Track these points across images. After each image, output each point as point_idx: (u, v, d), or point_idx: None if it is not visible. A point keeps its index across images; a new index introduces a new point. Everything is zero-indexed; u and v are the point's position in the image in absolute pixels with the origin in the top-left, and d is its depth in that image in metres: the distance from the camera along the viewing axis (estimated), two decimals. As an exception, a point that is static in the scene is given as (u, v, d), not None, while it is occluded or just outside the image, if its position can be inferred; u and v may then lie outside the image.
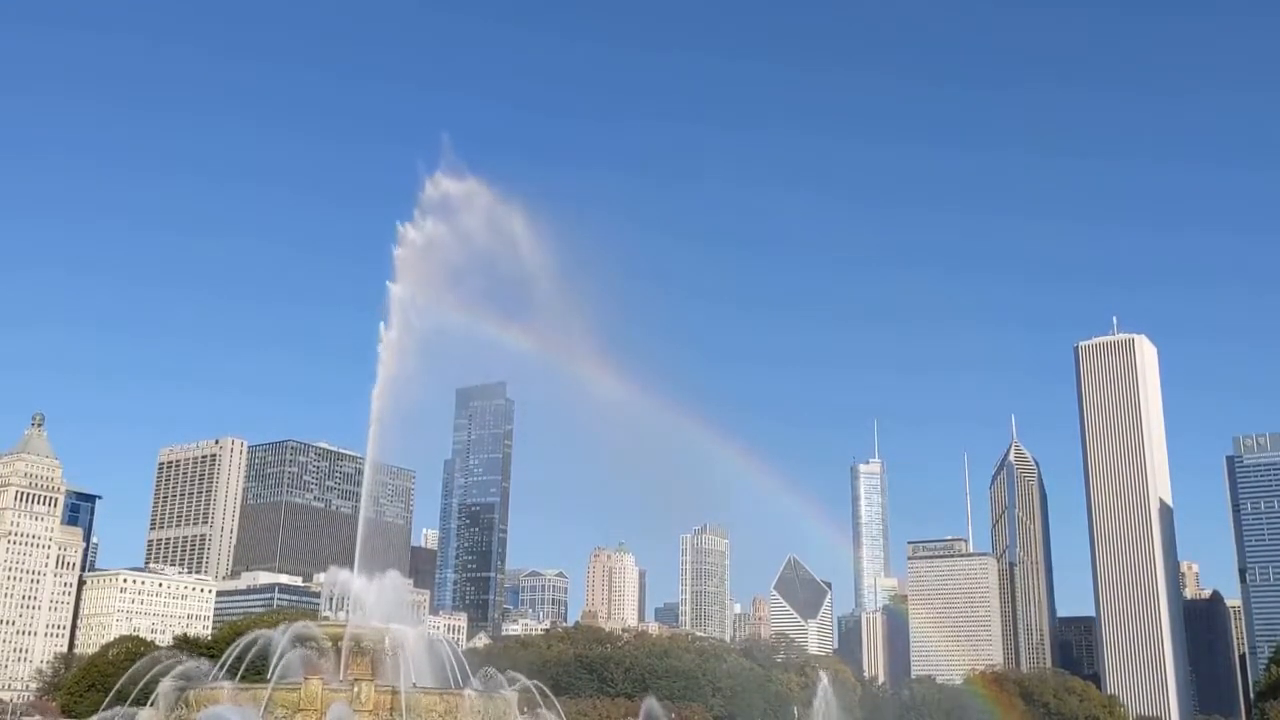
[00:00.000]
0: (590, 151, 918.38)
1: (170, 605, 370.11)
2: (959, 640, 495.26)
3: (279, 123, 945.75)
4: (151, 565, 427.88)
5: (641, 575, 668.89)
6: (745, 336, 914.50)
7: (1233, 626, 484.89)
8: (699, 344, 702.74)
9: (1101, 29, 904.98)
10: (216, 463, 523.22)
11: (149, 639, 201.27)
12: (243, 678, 59.51)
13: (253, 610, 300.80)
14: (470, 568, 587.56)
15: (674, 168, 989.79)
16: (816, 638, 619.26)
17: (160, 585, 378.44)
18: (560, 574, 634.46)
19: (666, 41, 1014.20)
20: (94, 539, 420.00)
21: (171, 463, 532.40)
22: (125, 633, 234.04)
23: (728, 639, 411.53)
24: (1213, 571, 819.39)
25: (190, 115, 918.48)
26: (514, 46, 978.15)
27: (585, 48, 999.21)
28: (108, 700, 79.51)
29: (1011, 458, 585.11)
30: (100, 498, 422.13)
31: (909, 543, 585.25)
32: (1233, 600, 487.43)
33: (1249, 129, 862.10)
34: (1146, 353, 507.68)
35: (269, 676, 56.01)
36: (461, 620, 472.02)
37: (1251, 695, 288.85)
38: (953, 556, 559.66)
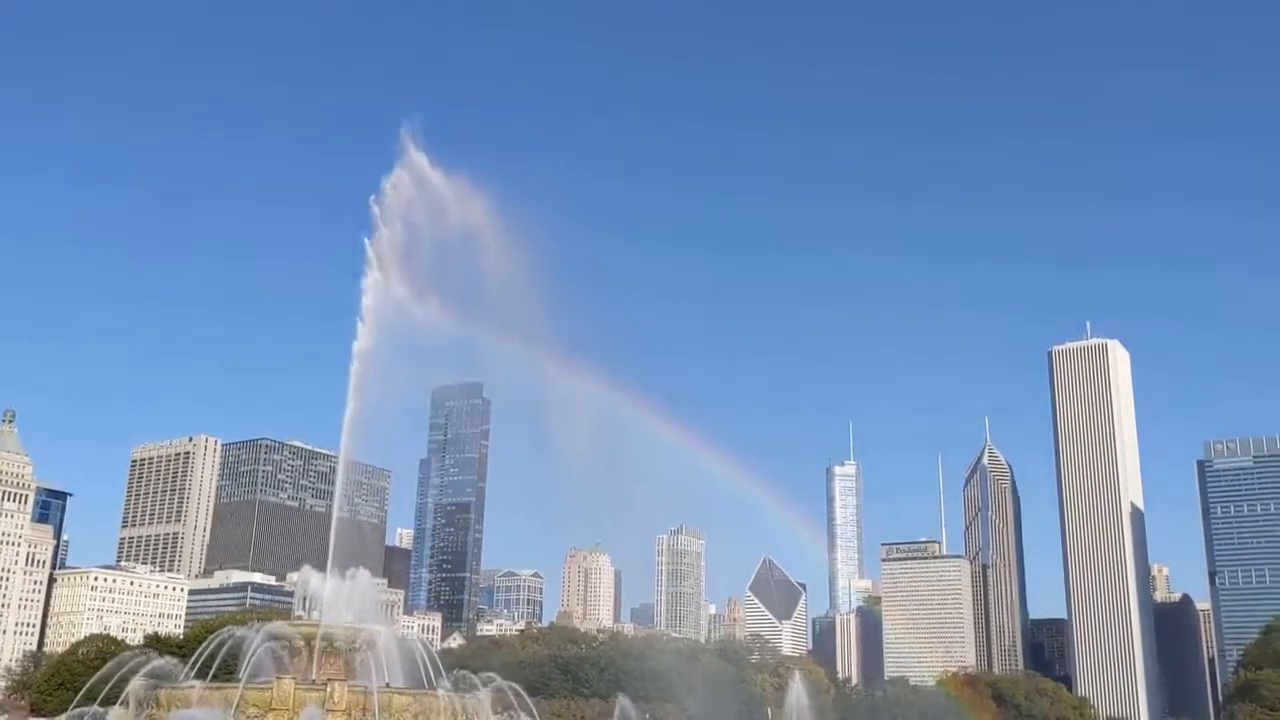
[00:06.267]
0: (563, 152, 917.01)
1: (141, 604, 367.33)
2: (932, 642, 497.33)
3: (249, 119, 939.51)
4: (123, 563, 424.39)
5: (617, 576, 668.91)
6: (723, 338, 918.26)
7: (1202, 629, 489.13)
8: (676, 344, 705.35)
9: (1066, 82, 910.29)
10: (190, 460, 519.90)
11: (120, 638, 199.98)
12: (214, 677, 59.25)
13: (225, 609, 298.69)
14: (445, 568, 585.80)
15: (649, 168, 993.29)
16: (791, 639, 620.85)
17: (131, 584, 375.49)
18: (535, 574, 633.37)
19: (640, 38, 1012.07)
20: (65, 537, 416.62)
21: (144, 460, 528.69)
22: (96, 631, 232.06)
23: (703, 640, 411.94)
24: (1183, 575, 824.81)
25: (157, 117, 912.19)
26: (485, 44, 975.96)
27: (556, 43, 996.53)
28: (77, 699, 78.95)
29: (985, 461, 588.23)
30: (71, 495, 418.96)
31: (883, 544, 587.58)
32: (1202, 603, 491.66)
33: (1224, 152, 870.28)
34: (1119, 358, 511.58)
35: (240, 676, 55.83)
36: (436, 620, 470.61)
37: (1220, 698, 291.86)
38: (926, 558, 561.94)
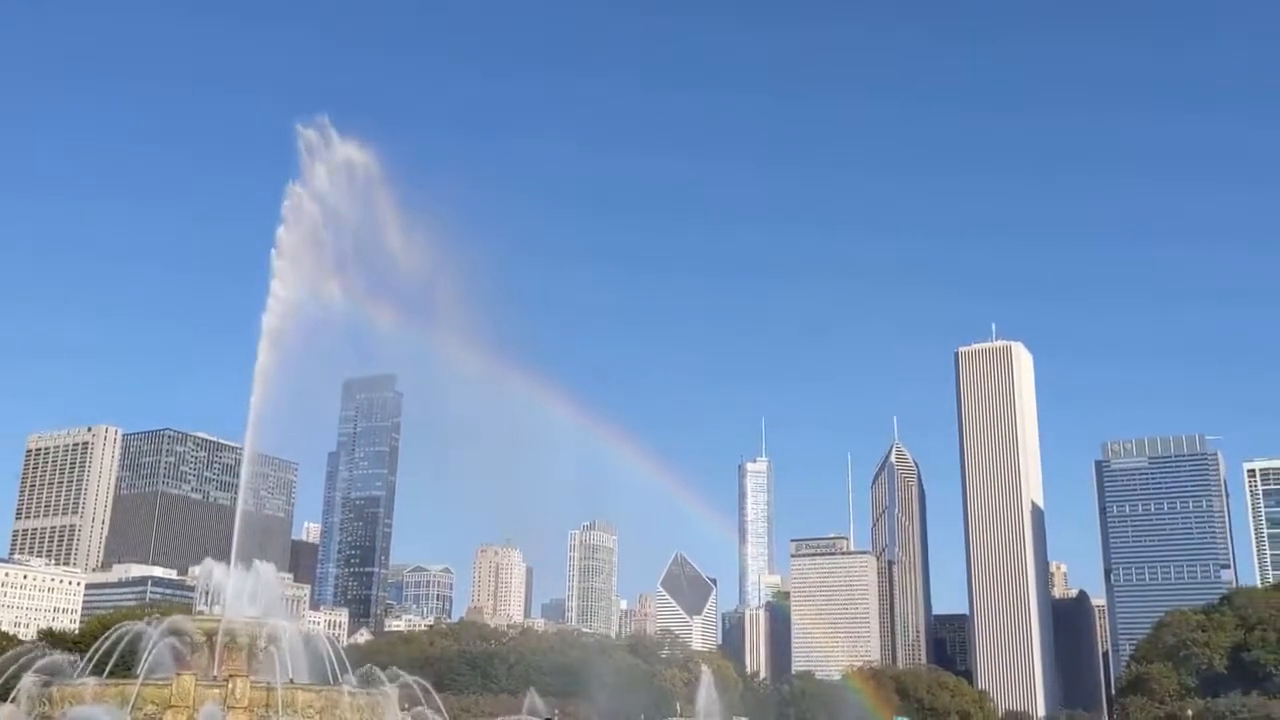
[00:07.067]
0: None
1: (35, 598, 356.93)
2: (839, 636, 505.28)
3: (164, 80, 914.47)
4: (16, 556, 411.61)
5: (528, 571, 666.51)
6: (638, 337, 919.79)
7: (1097, 625, 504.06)
8: (592, 341, 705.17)
9: (978, 53, 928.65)
10: (89, 451, 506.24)
11: (12, 633, 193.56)
12: (111, 673, 57.71)
13: (124, 604, 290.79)
14: (353, 562, 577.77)
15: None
16: (701, 634, 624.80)
17: (25, 577, 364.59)
18: (445, 569, 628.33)
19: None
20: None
21: (40, 450, 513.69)
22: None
23: (614, 635, 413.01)
24: (1080, 571, 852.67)
25: (78, 75, 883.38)
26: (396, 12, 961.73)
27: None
28: (-35, 696, 76.21)
29: (893, 458, 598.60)
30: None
31: (792, 540, 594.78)
32: (1098, 599, 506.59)
33: (1121, 147, 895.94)
34: (1022, 360, 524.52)
35: (138, 672, 54.48)
36: (343, 616, 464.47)
37: (1113, 691, 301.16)
38: (834, 554, 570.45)
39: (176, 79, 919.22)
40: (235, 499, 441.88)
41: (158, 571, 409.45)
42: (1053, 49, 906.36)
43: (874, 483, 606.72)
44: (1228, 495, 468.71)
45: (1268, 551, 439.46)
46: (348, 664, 59.57)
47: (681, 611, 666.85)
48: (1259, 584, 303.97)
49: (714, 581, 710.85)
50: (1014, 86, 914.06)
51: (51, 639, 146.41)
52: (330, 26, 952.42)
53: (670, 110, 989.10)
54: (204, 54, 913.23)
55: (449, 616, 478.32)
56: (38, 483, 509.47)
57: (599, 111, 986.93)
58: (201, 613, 63.47)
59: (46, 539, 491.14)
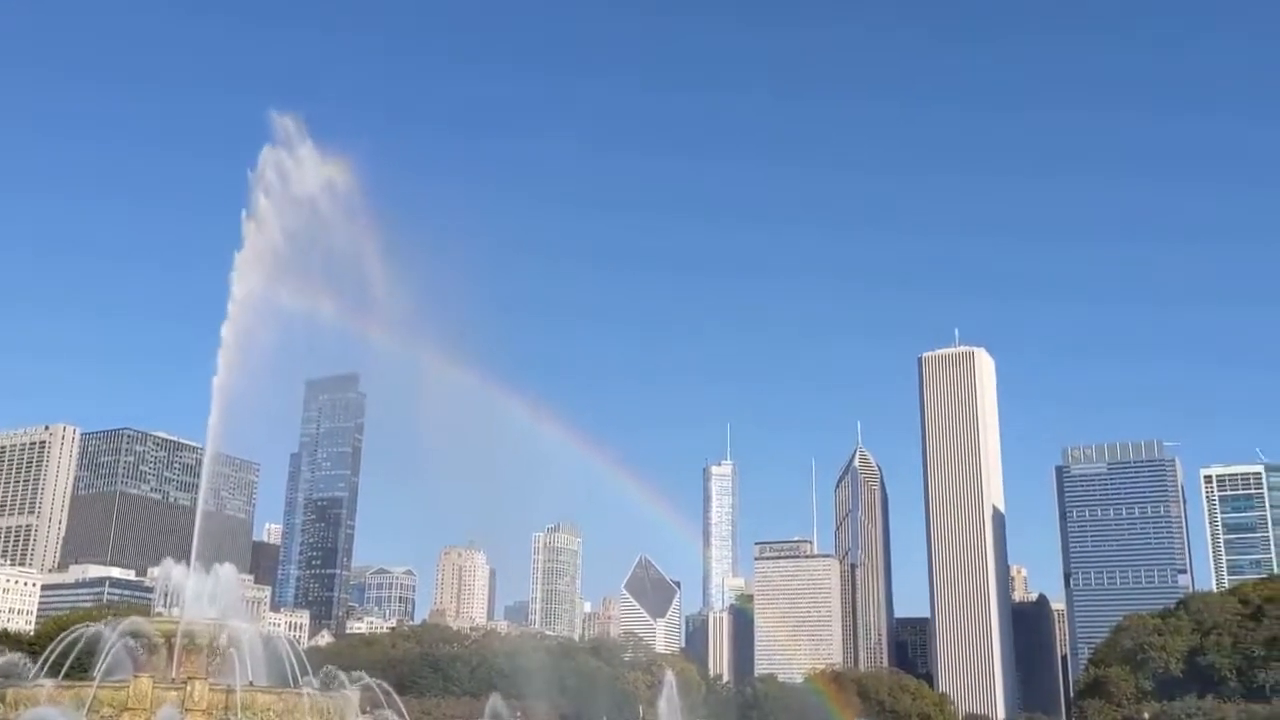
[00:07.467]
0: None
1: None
2: (802, 639, 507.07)
3: (164, 80, 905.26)
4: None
5: (492, 574, 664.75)
6: (605, 341, 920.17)
7: (1056, 628, 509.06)
8: (564, 342, 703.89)
9: (978, 53, 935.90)
10: (46, 450, 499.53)
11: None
12: (67, 675, 56.99)
13: (81, 605, 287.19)
14: (315, 564, 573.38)
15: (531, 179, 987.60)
16: (664, 636, 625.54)
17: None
18: (408, 571, 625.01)
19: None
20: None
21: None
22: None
23: (577, 638, 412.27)
24: (1040, 576, 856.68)
25: (78, 75, 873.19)
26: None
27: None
28: (-84, 699, 74.90)
29: (856, 462, 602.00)
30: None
31: (756, 543, 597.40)
32: (1057, 603, 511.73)
33: (1120, 146, 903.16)
34: (985, 365, 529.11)
35: (95, 674, 53.89)
36: (304, 618, 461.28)
37: (1072, 694, 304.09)
38: (798, 557, 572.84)
39: (176, 79, 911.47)
40: (195, 499, 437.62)
41: (116, 572, 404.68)
42: (1053, 49, 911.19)
43: (837, 486, 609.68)
44: (1185, 501, 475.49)
45: (1224, 557, 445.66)
46: (308, 666, 59.11)
47: (645, 614, 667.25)
48: (1215, 589, 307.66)
49: (678, 584, 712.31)
50: (1014, 86, 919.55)
51: (6, 640, 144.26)
52: (329, 26, 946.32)
53: (670, 110, 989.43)
54: (204, 54, 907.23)
55: (411, 618, 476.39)
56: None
57: (599, 111, 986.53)
58: (160, 614, 62.80)
59: (2, 539, 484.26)
